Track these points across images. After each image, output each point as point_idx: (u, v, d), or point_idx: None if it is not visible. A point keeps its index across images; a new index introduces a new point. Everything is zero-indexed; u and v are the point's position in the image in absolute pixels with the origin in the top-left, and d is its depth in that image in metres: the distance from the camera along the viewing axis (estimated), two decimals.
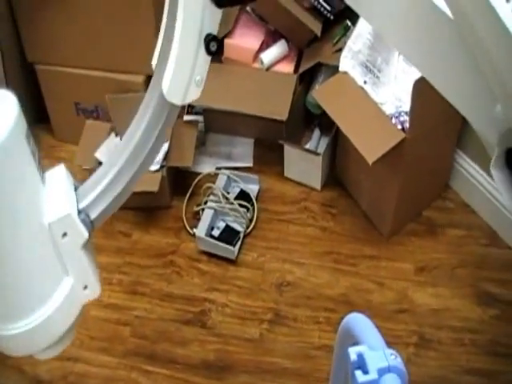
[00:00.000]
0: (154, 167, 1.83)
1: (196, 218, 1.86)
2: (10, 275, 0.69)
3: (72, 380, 1.58)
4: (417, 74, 1.46)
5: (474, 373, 1.54)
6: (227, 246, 1.76)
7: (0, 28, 1.85)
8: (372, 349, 0.68)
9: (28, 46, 1.90)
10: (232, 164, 2.00)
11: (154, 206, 1.90)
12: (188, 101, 0.77)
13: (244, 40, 1.92)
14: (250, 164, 2.01)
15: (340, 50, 1.77)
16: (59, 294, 0.73)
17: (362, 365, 0.67)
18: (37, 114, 2.04)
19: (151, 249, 1.82)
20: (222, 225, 1.83)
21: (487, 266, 1.75)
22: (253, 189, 1.92)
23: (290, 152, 1.92)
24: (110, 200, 0.77)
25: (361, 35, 1.69)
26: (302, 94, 1.92)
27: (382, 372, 0.66)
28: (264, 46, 1.93)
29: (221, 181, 1.90)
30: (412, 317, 1.65)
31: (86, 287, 0.76)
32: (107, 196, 0.77)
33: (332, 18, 1.84)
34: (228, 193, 1.88)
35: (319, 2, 1.82)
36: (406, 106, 1.57)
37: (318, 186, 1.93)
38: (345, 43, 1.74)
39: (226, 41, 1.90)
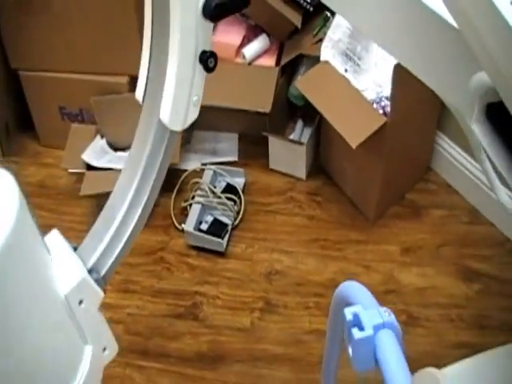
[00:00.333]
0: None
1: (184, 213, 1.88)
2: (35, 364, 0.63)
3: None
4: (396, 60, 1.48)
5: (463, 346, 1.56)
6: (216, 238, 1.77)
7: None
8: (366, 308, 0.69)
9: (11, 53, 1.92)
10: (217, 159, 2.02)
11: None
12: (188, 124, 0.74)
13: (226, 36, 1.93)
14: (235, 158, 2.03)
15: (320, 40, 1.79)
16: (83, 367, 0.69)
17: (357, 323, 0.67)
18: (22, 121, 2.06)
19: (141, 247, 1.83)
20: (209, 219, 1.85)
21: (470, 243, 1.77)
22: (239, 182, 1.94)
23: (274, 143, 1.94)
24: (118, 249, 0.72)
25: (340, 25, 1.71)
26: (284, 86, 1.94)
27: (377, 328, 0.67)
28: (246, 41, 1.95)
29: (207, 176, 1.91)
30: (399, 297, 1.67)
31: (104, 349, 0.73)
32: (114, 246, 0.72)
33: (311, 9, 1.86)
34: (215, 187, 1.89)
35: None
36: (387, 91, 1.60)
37: (303, 176, 1.96)
38: (325, 34, 1.76)
39: None
